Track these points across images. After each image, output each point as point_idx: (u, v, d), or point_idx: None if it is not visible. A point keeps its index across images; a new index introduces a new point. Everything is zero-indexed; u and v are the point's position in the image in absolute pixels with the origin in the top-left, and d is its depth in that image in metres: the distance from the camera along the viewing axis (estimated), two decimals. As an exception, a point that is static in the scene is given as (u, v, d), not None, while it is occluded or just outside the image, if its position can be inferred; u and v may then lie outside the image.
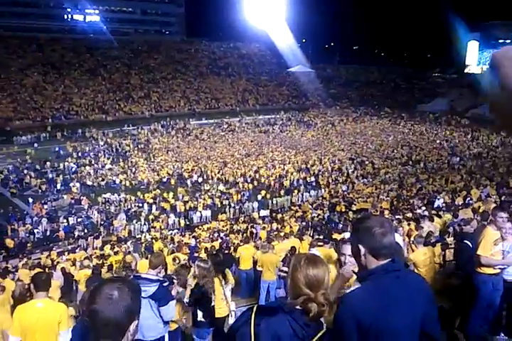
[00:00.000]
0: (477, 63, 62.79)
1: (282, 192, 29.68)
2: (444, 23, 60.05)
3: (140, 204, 26.93)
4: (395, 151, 38.99)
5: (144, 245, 18.29)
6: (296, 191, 29.71)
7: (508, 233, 5.19)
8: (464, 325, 5.61)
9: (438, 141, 43.22)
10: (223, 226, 22.93)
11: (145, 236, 22.07)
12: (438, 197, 19.35)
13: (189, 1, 76.18)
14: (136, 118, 49.66)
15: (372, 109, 59.81)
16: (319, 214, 23.07)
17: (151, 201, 27.50)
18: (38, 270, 12.01)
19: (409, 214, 16.04)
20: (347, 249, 3.18)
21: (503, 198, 14.78)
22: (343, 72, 76.11)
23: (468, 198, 17.43)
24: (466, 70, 64.05)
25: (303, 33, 73.02)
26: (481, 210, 12.63)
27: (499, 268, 5.29)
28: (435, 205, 17.42)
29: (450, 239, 9.41)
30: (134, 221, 24.67)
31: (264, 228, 19.90)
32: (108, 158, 36.36)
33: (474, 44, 62.40)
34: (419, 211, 16.01)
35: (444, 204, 17.29)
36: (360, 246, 2.07)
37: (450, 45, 65.56)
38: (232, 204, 27.61)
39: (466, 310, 5.61)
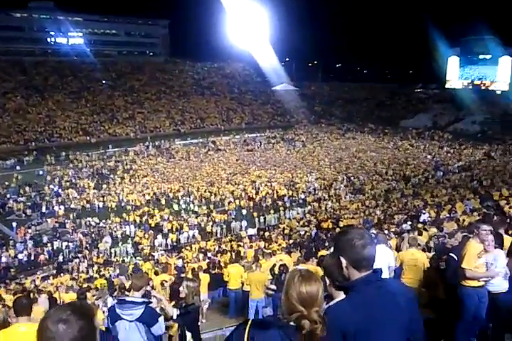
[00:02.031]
0: (458, 78, 63.99)
1: (269, 210, 29.65)
2: (425, 40, 61.55)
3: (126, 226, 26.65)
4: (381, 167, 39.26)
5: (130, 267, 18.04)
6: (283, 209, 29.69)
7: (491, 245, 5.24)
8: (451, 338, 5.61)
9: (422, 156, 43.70)
10: (211, 246, 22.75)
11: (131, 258, 21.80)
12: (423, 212, 19.48)
13: (173, 23, 77.13)
14: (120, 139, 49.52)
15: (356, 125, 60.40)
16: (306, 232, 23.03)
17: (137, 222, 27.25)
18: (20, 295, 11.74)
19: (396, 229, 16.15)
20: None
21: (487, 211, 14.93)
22: (326, 90, 76.99)
23: (454, 211, 17.60)
24: (447, 85, 65.17)
25: (286, 52, 74.26)
26: (466, 223, 12.77)
27: (483, 281, 5.32)
28: (421, 219, 17.53)
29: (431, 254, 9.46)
30: (120, 243, 24.37)
31: (251, 246, 19.81)
32: (92, 181, 36.01)
33: (455, 59, 63.65)
34: (404, 225, 16.11)
35: (429, 219, 17.41)
36: (341, 258, 2.11)
37: (431, 61, 66.84)
38: (220, 224, 27.48)
39: (452, 323, 5.62)
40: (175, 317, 5.16)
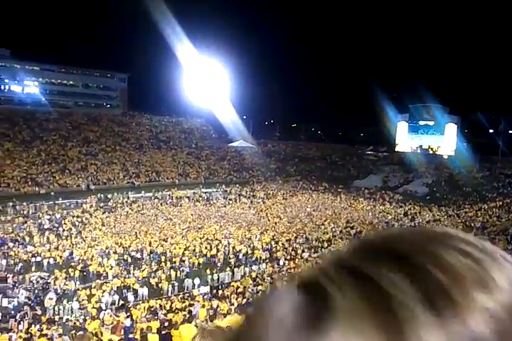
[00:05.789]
0: (407, 142, 67.26)
1: (224, 267, 28.93)
2: (376, 105, 64.99)
3: (72, 282, 25.13)
4: (335, 225, 39.60)
5: (74, 327, 16.81)
6: (237, 266, 29.07)
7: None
8: None
9: (374, 216, 44.55)
10: (161, 305, 21.72)
11: (76, 317, 20.39)
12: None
13: (132, 77, 78.06)
14: (71, 191, 47.90)
15: (311, 184, 61.37)
16: (260, 290, 22.51)
17: (84, 279, 25.79)
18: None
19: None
20: None
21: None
22: (282, 148, 78.84)
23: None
24: (397, 148, 68.18)
25: (244, 110, 76.04)
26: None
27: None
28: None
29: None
30: (65, 300, 22.85)
31: (203, 306, 19.09)
32: (39, 233, 34.26)
33: (404, 124, 67.26)
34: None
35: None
36: None
37: (381, 126, 70.43)
38: (171, 281, 26.42)
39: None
40: None
